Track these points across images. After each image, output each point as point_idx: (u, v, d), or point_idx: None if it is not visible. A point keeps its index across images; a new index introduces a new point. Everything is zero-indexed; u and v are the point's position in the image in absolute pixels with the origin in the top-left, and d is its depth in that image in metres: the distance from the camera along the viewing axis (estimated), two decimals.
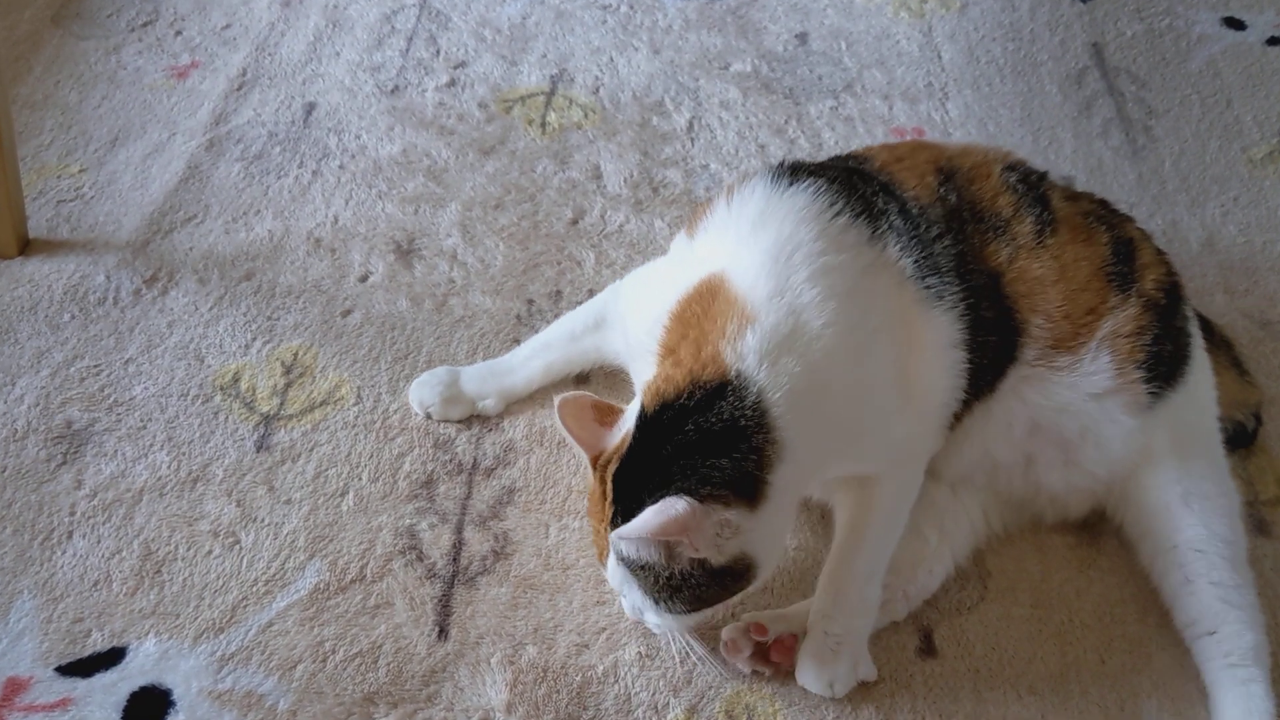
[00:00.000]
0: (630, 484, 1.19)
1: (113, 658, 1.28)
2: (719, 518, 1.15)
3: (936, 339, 1.30)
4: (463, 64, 2.15)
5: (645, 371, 1.28)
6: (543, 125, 2.03)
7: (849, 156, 1.51)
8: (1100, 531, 1.45)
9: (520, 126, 2.03)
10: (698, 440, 1.16)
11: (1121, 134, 2.07)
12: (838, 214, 1.30)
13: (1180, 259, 1.81)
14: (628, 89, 2.12)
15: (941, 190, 1.37)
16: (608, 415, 1.27)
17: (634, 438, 1.20)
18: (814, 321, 1.22)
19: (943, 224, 1.34)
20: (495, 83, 2.12)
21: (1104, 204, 1.47)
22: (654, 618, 1.25)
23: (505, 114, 2.05)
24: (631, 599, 1.25)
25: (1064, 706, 1.30)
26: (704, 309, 1.25)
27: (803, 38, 2.26)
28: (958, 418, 1.35)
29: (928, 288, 1.30)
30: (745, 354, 1.19)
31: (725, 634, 1.30)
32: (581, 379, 1.60)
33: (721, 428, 1.16)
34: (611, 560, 1.23)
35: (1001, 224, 1.36)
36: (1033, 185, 1.41)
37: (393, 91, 2.08)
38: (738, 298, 1.23)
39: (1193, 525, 1.32)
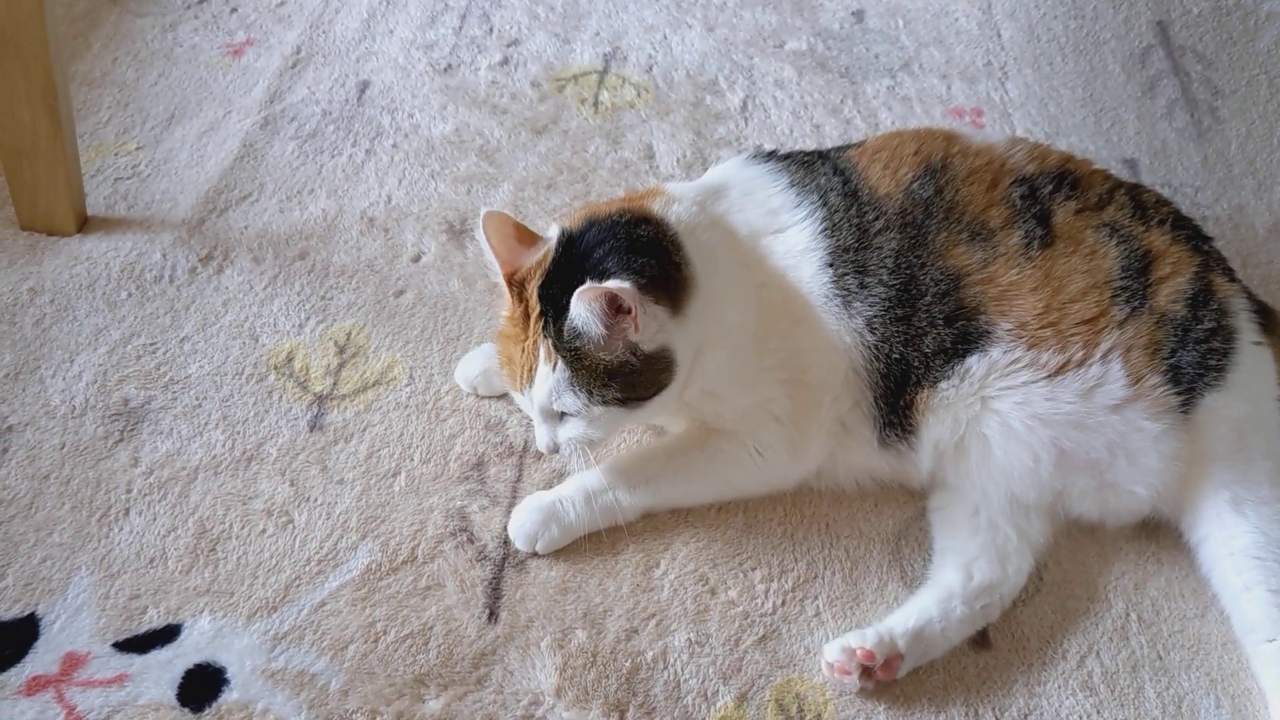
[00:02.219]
0: (559, 293, 1.27)
1: (168, 635, 1.30)
2: (650, 309, 1.28)
3: (829, 339, 1.37)
4: (516, 42, 2.14)
5: None
6: (595, 104, 2.02)
7: (837, 148, 1.54)
8: (1160, 523, 1.42)
9: (573, 105, 2.02)
10: (627, 244, 1.31)
11: (1186, 115, 2.03)
12: (775, 181, 1.45)
13: (1246, 245, 1.79)
14: (681, 68, 2.10)
15: (914, 185, 1.40)
16: (526, 237, 1.35)
17: (559, 252, 1.31)
18: (719, 229, 1.41)
19: (895, 216, 1.39)
20: (548, 61, 2.10)
21: (1138, 208, 1.43)
22: (578, 423, 1.32)
23: (558, 93, 2.04)
24: (558, 403, 1.31)
25: (1119, 702, 1.28)
26: (637, 195, 1.46)
27: (859, 15, 2.23)
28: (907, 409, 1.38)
29: (840, 287, 1.37)
30: (667, 212, 1.38)
31: (830, 656, 1.28)
32: None
33: (647, 240, 1.33)
34: (542, 371, 1.30)
35: (984, 232, 1.38)
36: (1038, 200, 1.40)
37: (446, 70, 2.08)
38: (665, 190, 1.44)
39: (1248, 532, 1.30)
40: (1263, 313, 1.47)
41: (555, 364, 1.29)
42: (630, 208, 1.38)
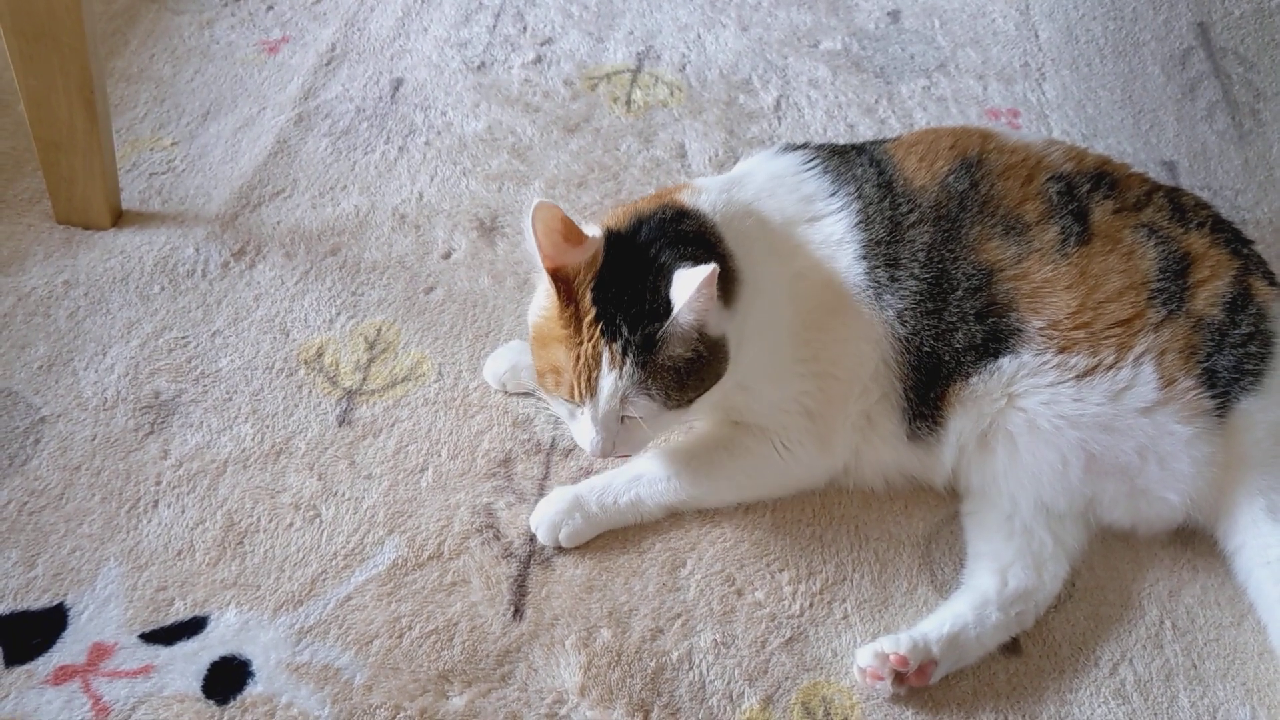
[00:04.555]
0: (616, 295, 1.25)
1: (194, 627, 1.30)
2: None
3: (861, 330, 1.36)
4: (549, 40, 2.14)
5: None
6: (628, 103, 2.02)
7: (872, 141, 1.53)
8: (1195, 530, 1.40)
9: (605, 104, 2.01)
10: (678, 239, 1.29)
11: (1227, 118, 1.99)
12: (807, 167, 1.44)
13: None
14: (714, 67, 2.09)
15: (950, 177, 1.39)
16: (574, 235, 1.28)
17: (608, 252, 1.27)
18: (753, 217, 1.38)
19: (929, 209, 1.37)
20: (581, 60, 2.10)
21: (1178, 208, 1.42)
22: (640, 425, 1.28)
23: (590, 91, 2.04)
24: (629, 408, 1.26)
25: (1152, 711, 1.26)
26: (665, 190, 1.45)
27: (895, 15, 2.21)
28: (940, 404, 1.37)
29: (872, 279, 1.35)
30: (699, 203, 1.37)
31: (863, 661, 1.27)
32: None
33: (694, 233, 1.32)
34: (608, 378, 1.25)
35: (1019, 226, 1.36)
36: (1076, 198, 1.38)
37: (479, 68, 2.08)
38: (693, 183, 1.43)
39: None
40: None
41: (622, 368, 1.24)
42: (668, 202, 1.36)
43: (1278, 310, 1.37)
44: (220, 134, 1.94)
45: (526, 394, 1.54)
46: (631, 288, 1.25)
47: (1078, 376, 1.32)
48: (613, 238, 1.30)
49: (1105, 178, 1.42)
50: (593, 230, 1.32)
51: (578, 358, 1.26)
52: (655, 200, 1.39)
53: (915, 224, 1.37)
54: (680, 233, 1.31)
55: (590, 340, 1.25)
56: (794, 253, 1.38)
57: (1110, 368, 1.31)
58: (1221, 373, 1.31)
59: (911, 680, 1.26)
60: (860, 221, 1.38)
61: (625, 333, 1.24)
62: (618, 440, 1.30)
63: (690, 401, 1.29)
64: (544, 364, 1.31)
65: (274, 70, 2.08)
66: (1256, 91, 2.05)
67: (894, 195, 1.39)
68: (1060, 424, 1.32)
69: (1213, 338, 1.32)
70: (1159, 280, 1.34)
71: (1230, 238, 1.42)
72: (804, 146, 1.50)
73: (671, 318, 1.22)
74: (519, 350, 1.54)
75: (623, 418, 1.28)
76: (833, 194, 1.41)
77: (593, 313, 1.25)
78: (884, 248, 1.37)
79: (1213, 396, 1.31)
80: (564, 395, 1.29)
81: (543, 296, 1.31)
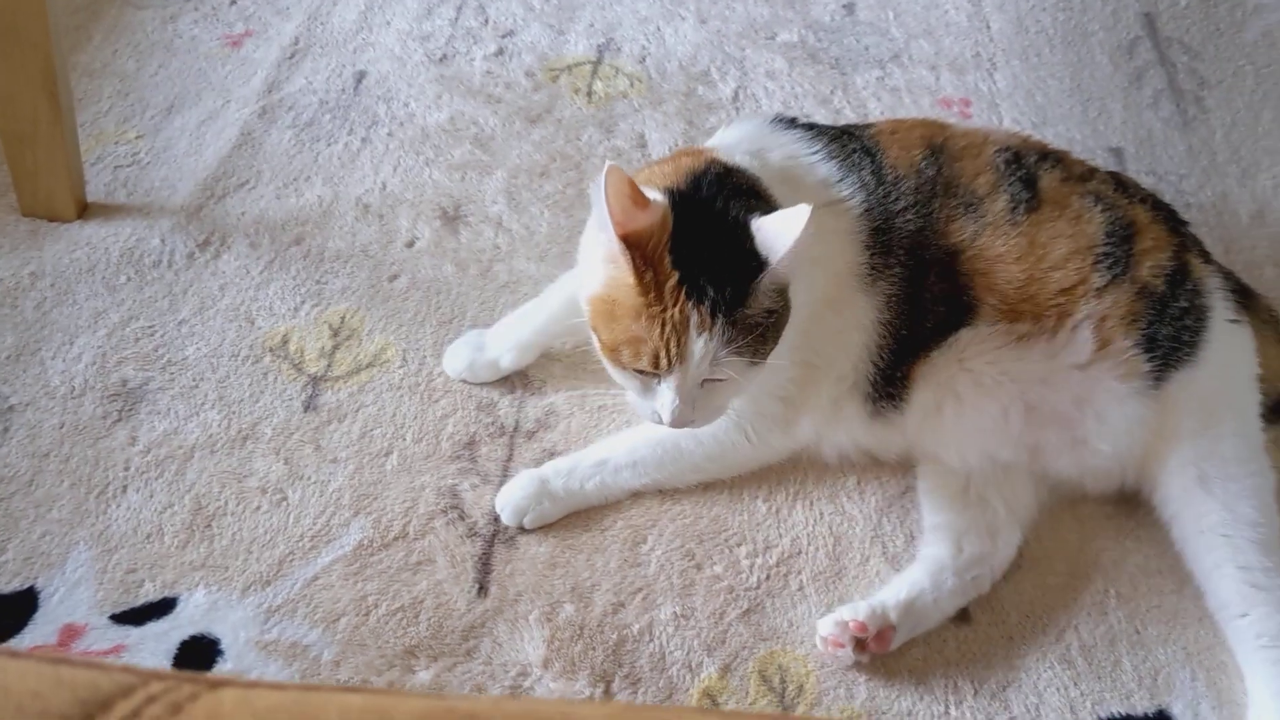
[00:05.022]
0: (696, 254, 1.22)
1: (164, 607, 1.33)
2: None
3: (854, 319, 1.38)
4: (511, 33, 2.17)
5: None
6: (589, 94, 2.05)
7: (854, 125, 1.53)
8: (1139, 500, 1.44)
9: (566, 95, 2.04)
10: (737, 192, 1.28)
11: (1172, 105, 2.05)
12: (812, 148, 1.43)
13: (1229, 231, 1.81)
14: (674, 58, 2.13)
15: (922, 164, 1.41)
16: (640, 199, 1.22)
17: (677, 213, 1.23)
18: (789, 184, 1.37)
19: (911, 197, 1.39)
20: (542, 52, 2.13)
21: (1120, 185, 1.46)
22: (723, 387, 1.26)
23: (552, 83, 2.07)
24: (722, 369, 1.23)
25: (1096, 675, 1.31)
26: (684, 151, 1.43)
27: (850, 7, 2.25)
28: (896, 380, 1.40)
29: (871, 267, 1.36)
30: (738, 162, 1.35)
31: (824, 630, 1.31)
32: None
33: (749, 188, 1.31)
34: (698, 342, 1.20)
35: (974, 201, 1.38)
36: (1024, 166, 1.41)
37: (441, 60, 2.10)
38: (709, 147, 1.41)
39: (1215, 510, 1.33)
40: (1242, 293, 1.50)
41: (712, 328, 1.20)
42: (711, 160, 1.33)
43: (1212, 286, 1.41)
44: (184, 127, 1.96)
45: (489, 384, 1.57)
46: (709, 245, 1.22)
47: (1019, 339, 1.36)
48: (676, 197, 1.26)
49: (1050, 154, 1.46)
50: (652, 193, 1.26)
51: (663, 324, 1.21)
52: (691, 158, 1.35)
53: (902, 211, 1.38)
54: (737, 187, 1.30)
55: (676, 305, 1.20)
56: (816, 237, 1.31)
57: (1049, 332, 1.35)
58: (1160, 342, 1.36)
59: (872, 646, 1.30)
60: (866, 210, 1.38)
61: (712, 292, 1.21)
62: (698, 407, 1.26)
63: (768, 355, 1.26)
64: (616, 337, 1.25)
65: (237, 64, 2.09)
66: (1200, 79, 2.10)
67: (885, 183, 1.40)
68: (1001, 379, 1.37)
69: (1154, 307, 1.37)
70: (1105, 244, 1.37)
71: (1167, 216, 1.47)
72: (795, 121, 1.49)
73: (770, 267, 1.20)
74: (477, 344, 1.57)
75: (702, 382, 1.25)
76: (841, 179, 1.39)
77: (675, 276, 1.21)
78: (881, 236, 1.38)
79: (1149, 360, 1.35)
80: (646, 365, 1.24)
81: (604, 267, 1.25)
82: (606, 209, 1.18)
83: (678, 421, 1.26)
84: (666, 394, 1.25)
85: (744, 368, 1.24)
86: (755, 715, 1.23)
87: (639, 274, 1.20)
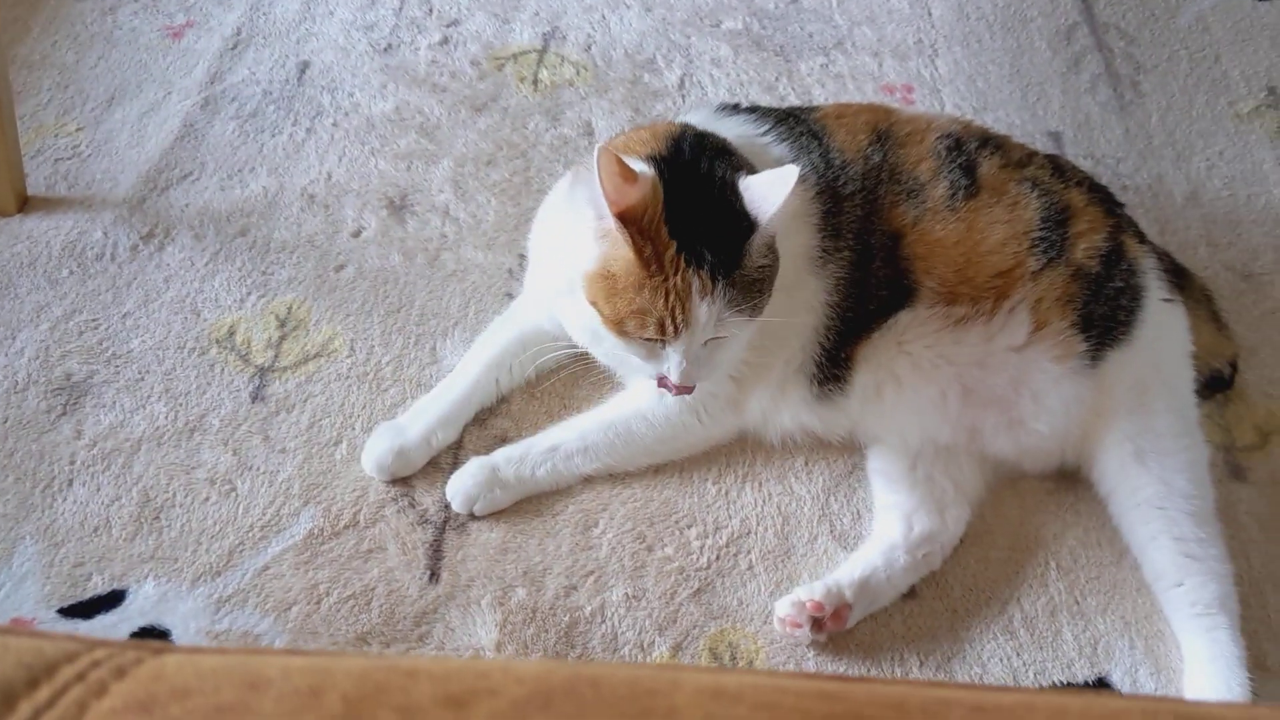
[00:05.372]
0: (689, 219, 1.24)
1: (113, 600, 1.32)
2: None
3: (805, 300, 1.39)
4: (455, 22, 2.17)
5: (570, 310, 1.37)
6: (535, 82, 2.05)
7: (798, 108, 1.55)
8: (1079, 477, 1.48)
9: (512, 84, 2.05)
10: (717, 154, 1.31)
11: (1109, 89, 2.09)
12: (761, 131, 1.45)
13: (1165, 212, 1.85)
14: (619, 46, 2.14)
15: (868, 149, 1.43)
16: (629, 174, 1.23)
17: (667, 179, 1.26)
18: (760, 159, 1.38)
19: (859, 182, 1.41)
20: (488, 40, 2.13)
21: (1058, 169, 1.49)
22: (726, 346, 1.29)
23: (497, 71, 2.07)
24: (726, 327, 1.26)
25: (1038, 645, 1.34)
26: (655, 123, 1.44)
27: None
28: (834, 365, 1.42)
29: (822, 250, 1.38)
30: (709, 127, 1.39)
31: (781, 611, 1.32)
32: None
33: (726, 149, 1.34)
34: (701, 306, 1.23)
35: (917, 187, 1.41)
36: (964, 153, 1.44)
37: (386, 50, 2.10)
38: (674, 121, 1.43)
39: (1151, 483, 1.36)
40: (1176, 272, 1.54)
41: (714, 291, 1.23)
42: (685, 125, 1.37)
43: (1147, 266, 1.45)
44: (126, 119, 1.94)
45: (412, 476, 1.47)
46: (700, 209, 1.24)
47: (956, 322, 1.39)
48: (661, 164, 1.28)
49: (990, 140, 1.49)
50: (635, 163, 1.28)
51: (666, 293, 1.24)
52: (665, 126, 1.39)
53: (850, 195, 1.41)
54: (717, 148, 1.33)
55: (677, 273, 1.23)
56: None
57: (987, 314, 1.38)
58: (1096, 322, 1.39)
59: (829, 625, 1.32)
60: (818, 193, 1.40)
61: (710, 256, 1.23)
62: (703, 367, 1.30)
63: (764, 309, 1.30)
64: (619, 310, 1.26)
65: (179, 55, 2.08)
66: (1137, 64, 2.14)
67: (833, 167, 1.42)
68: (939, 362, 1.39)
69: (1089, 288, 1.40)
70: (1040, 229, 1.40)
71: (1104, 198, 1.50)
72: (738, 107, 1.51)
73: (762, 226, 1.24)
74: (394, 430, 1.47)
75: (705, 343, 1.28)
76: (793, 161, 1.40)
77: (673, 245, 1.23)
78: (832, 219, 1.40)
79: (1085, 340, 1.38)
80: (652, 334, 1.26)
81: (598, 244, 1.27)
82: (600, 190, 1.20)
83: (685, 380, 1.29)
84: (674, 357, 1.28)
85: (745, 324, 1.29)
86: (677, 667, 1.25)
87: (638, 249, 1.23)
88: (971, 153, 1.44)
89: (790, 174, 1.24)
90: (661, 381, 1.33)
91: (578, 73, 2.08)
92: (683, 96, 2.04)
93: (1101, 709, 0.43)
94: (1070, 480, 1.48)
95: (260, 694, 0.42)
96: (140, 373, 1.56)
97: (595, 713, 0.38)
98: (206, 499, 1.42)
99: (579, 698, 0.39)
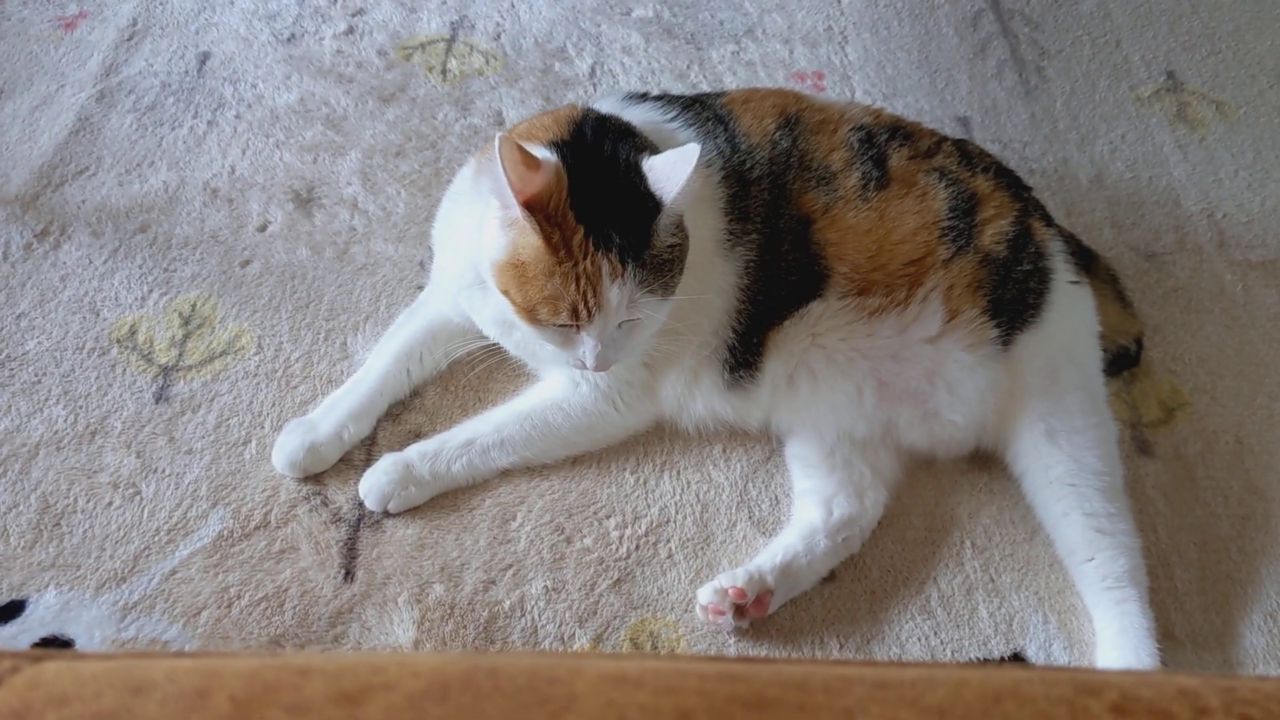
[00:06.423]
0: (594, 203, 1.23)
1: (12, 610, 1.27)
2: None
3: (715, 283, 1.39)
4: (361, 11, 2.13)
5: (478, 301, 1.37)
6: (443, 72, 2.02)
7: (706, 95, 1.55)
8: (993, 458, 1.49)
9: (420, 74, 2.01)
10: (619, 135, 1.31)
11: (1015, 75, 2.12)
12: (667, 118, 1.44)
13: (1070, 195, 1.88)
14: (529, 35, 2.12)
15: (776, 134, 1.44)
16: (531, 162, 1.22)
17: (571, 163, 1.25)
18: (666, 142, 1.36)
19: (767, 166, 1.41)
20: (395, 30, 2.10)
21: (966, 155, 1.50)
22: (638, 328, 1.29)
23: (405, 61, 2.03)
24: (637, 309, 1.25)
25: (955, 623, 1.35)
26: (555, 112, 1.41)
27: None
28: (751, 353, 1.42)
29: (730, 233, 1.38)
30: (612, 112, 1.38)
31: (704, 599, 1.32)
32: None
33: (630, 131, 1.33)
34: (612, 289, 1.23)
35: (828, 175, 1.42)
36: (875, 145, 1.45)
37: (289, 40, 2.05)
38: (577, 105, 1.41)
39: (1062, 461, 1.38)
40: (1083, 254, 1.56)
41: (624, 273, 1.23)
42: (586, 109, 1.37)
43: (1054, 249, 1.47)
44: (16, 113, 1.87)
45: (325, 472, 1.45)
46: (605, 192, 1.24)
47: (870, 314, 1.39)
48: (564, 149, 1.27)
49: (900, 130, 1.50)
50: (538, 149, 1.26)
51: (576, 278, 1.23)
52: (568, 110, 1.37)
53: (757, 179, 1.41)
54: (619, 129, 1.32)
55: (586, 257, 1.22)
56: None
57: (901, 304, 1.39)
58: (1005, 306, 1.41)
59: (751, 611, 1.32)
60: (724, 177, 1.40)
61: (618, 238, 1.23)
62: (616, 348, 1.29)
63: (676, 287, 1.29)
64: (531, 298, 1.25)
65: (71, 47, 2.01)
66: (1041, 50, 2.18)
67: (739, 151, 1.42)
68: (854, 355, 1.40)
69: (998, 273, 1.41)
70: (949, 219, 1.42)
71: (1011, 182, 1.52)
72: (646, 95, 1.50)
73: (667, 205, 1.24)
74: (305, 426, 1.45)
75: (619, 325, 1.27)
76: (699, 146, 1.37)
77: (580, 230, 1.22)
78: (739, 202, 1.40)
79: (996, 327, 1.40)
80: (565, 320, 1.25)
81: (506, 233, 1.25)
82: (504, 179, 1.19)
83: (600, 364, 1.29)
84: (588, 342, 1.27)
85: (657, 304, 1.28)
86: (579, 655, 1.24)
87: (546, 235, 1.22)
88: (882, 144, 1.45)
89: (692, 152, 1.23)
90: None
91: (487, 62, 2.05)
92: (594, 85, 2.02)
93: (1001, 680, 0.43)
94: (984, 460, 1.50)
95: (144, 698, 0.40)
96: (37, 375, 1.50)
97: (493, 703, 0.36)
98: (109, 504, 1.38)
99: (477, 688, 0.37)
